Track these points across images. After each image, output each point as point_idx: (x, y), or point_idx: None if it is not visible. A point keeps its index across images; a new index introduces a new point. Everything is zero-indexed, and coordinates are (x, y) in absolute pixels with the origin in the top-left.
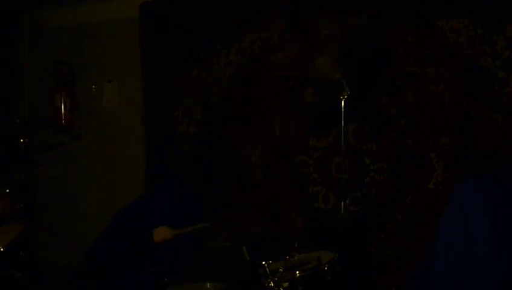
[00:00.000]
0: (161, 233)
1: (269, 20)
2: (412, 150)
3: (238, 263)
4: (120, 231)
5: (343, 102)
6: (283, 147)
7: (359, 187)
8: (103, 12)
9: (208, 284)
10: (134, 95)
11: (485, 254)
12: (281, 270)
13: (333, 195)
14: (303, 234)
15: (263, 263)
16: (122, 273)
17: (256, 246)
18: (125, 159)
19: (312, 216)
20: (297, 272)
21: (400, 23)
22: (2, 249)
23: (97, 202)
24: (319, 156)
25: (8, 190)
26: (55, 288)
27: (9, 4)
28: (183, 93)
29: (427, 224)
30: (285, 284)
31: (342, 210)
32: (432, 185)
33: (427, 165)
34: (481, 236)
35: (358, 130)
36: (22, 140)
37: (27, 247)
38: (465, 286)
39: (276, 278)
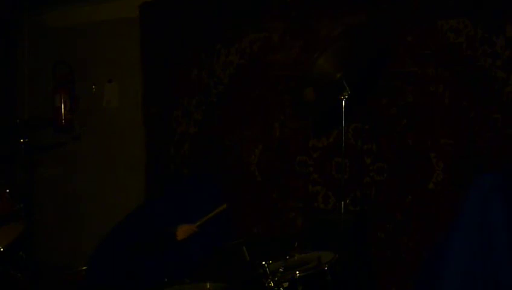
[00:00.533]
0: (183, 231)
1: (269, 20)
2: (412, 150)
3: (238, 263)
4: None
5: (343, 102)
6: (283, 147)
7: (359, 187)
8: (103, 12)
9: (208, 284)
10: (134, 95)
11: (500, 250)
12: (281, 270)
13: (333, 195)
14: (303, 234)
15: (263, 263)
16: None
17: (256, 246)
18: (125, 159)
19: (312, 216)
20: (297, 272)
21: (400, 23)
22: (2, 249)
23: (97, 202)
24: (319, 156)
25: (8, 190)
26: (55, 288)
27: (9, 4)
28: (183, 93)
29: (427, 224)
30: (285, 284)
31: (342, 210)
32: (432, 185)
33: (427, 165)
34: (498, 232)
35: (358, 130)
36: (22, 140)
37: (27, 247)
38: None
39: (276, 278)
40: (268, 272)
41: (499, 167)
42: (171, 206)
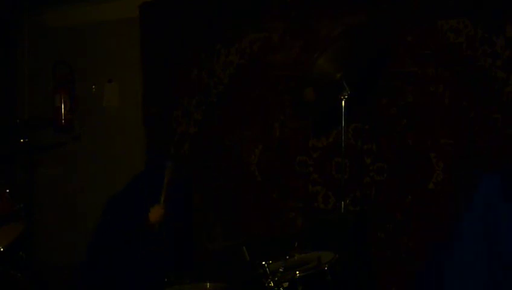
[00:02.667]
0: (153, 214)
1: (269, 20)
2: (412, 150)
3: (238, 263)
4: (116, 218)
5: (343, 102)
6: (283, 147)
7: (359, 187)
8: (103, 12)
9: (208, 284)
10: (134, 95)
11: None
12: (281, 270)
13: (333, 195)
14: (303, 234)
15: (263, 263)
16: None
17: (256, 246)
18: (125, 159)
19: (312, 216)
20: (297, 272)
21: (400, 23)
22: (2, 249)
23: (97, 202)
24: (319, 156)
25: (8, 190)
26: (55, 288)
27: (9, 4)
28: (183, 93)
29: (426, 224)
30: (285, 284)
31: (342, 210)
32: (432, 185)
33: (427, 165)
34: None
35: (358, 130)
36: (22, 140)
37: (27, 247)
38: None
39: (276, 278)
40: (268, 272)
41: (499, 167)
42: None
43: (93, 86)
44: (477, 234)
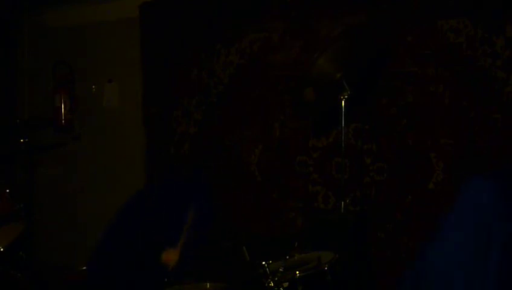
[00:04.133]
0: (170, 256)
1: (269, 20)
2: (412, 150)
3: (238, 263)
4: (122, 236)
5: (343, 102)
6: (283, 147)
7: (359, 187)
8: (103, 12)
9: (208, 284)
10: (134, 95)
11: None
12: (281, 270)
13: (333, 195)
14: (303, 234)
15: (263, 263)
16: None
17: (256, 246)
18: (125, 159)
19: (312, 216)
20: (297, 272)
21: (400, 23)
22: (2, 249)
23: (97, 202)
24: (319, 156)
25: (8, 190)
26: (55, 288)
27: (9, 4)
28: (183, 93)
29: (426, 224)
30: (285, 284)
31: (342, 210)
32: (432, 185)
33: (427, 165)
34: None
35: (358, 130)
36: (22, 140)
37: (27, 247)
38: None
39: (276, 278)
40: (268, 272)
41: (499, 167)
42: (162, 203)
43: (93, 86)
44: (467, 235)
